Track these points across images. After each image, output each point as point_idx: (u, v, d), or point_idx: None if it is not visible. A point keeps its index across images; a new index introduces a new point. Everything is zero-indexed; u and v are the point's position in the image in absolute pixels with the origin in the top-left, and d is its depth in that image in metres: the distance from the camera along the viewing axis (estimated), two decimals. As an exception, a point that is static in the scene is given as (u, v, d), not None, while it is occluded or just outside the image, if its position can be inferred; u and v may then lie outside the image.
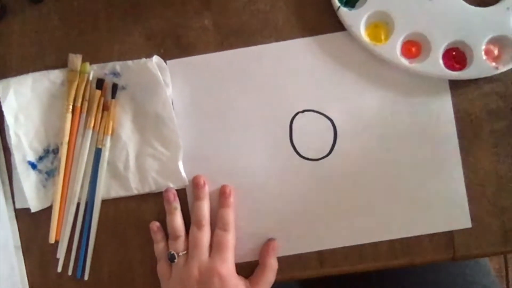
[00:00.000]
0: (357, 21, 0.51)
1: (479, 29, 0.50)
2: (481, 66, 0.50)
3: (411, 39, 0.52)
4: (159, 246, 0.51)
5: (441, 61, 0.51)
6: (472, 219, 0.51)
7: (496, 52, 0.51)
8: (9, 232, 0.52)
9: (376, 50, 0.51)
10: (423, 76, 0.51)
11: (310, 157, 0.52)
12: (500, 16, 0.50)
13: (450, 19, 0.51)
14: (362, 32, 0.51)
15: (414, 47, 0.52)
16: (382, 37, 0.52)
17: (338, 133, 0.52)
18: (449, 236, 0.52)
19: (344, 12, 0.51)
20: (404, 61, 0.51)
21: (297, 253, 0.52)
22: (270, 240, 0.52)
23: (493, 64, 0.50)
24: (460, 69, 0.51)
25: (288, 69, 0.53)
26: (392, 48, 0.51)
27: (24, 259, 0.53)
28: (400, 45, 0.51)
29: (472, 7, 0.50)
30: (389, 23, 0.51)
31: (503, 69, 0.50)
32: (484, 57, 0.50)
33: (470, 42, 0.50)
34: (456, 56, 0.51)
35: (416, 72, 0.51)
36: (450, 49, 0.51)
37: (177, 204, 0.51)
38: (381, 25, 0.52)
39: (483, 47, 0.50)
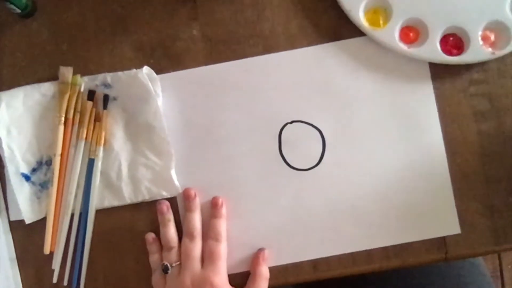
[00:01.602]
0: (356, 5, 0.52)
1: (476, 15, 0.51)
2: (478, 51, 0.51)
3: (409, 24, 0.52)
4: (154, 257, 0.51)
5: (438, 46, 0.52)
6: (463, 220, 0.52)
7: (492, 37, 0.52)
8: (4, 244, 0.52)
9: (375, 35, 0.52)
10: (420, 62, 0.52)
11: (299, 167, 0.53)
12: (497, 2, 0.51)
13: (447, 5, 0.51)
14: (361, 17, 0.52)
15: (412, 33, 0.53)
16: (381, 22, 0.53)
17: (327, 143, 0.53)
18: (441, 237, 0.52)
19: None
20: (402, 46, 0.52)
21: (290, 263, 0.52)
22: (260, 249, 0.52)
23: (490, 49, 0.51)
24: (457, 54, 0.52)
25: (275, 81, 0.53)
26: (391, 33, 0.52)
27: (19, 270, 0.53)
28: (399, 30, 0.52)
29: None
30: (388, 8, 0.52)
31: (499, 54, 0.51)
32: (481, 43, 0.51)
33: (467, 28, 0.51)
34: (453, 42, 0.52)
35: (413, 56, 0.52)
36: (448, 34, 0.52)
37: (170, 216, 0.52)
38: (380, 10, 0.53)
39: (480, 32, 0.51)
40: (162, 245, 0.52)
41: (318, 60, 0.53)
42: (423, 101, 0.53)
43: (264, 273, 0.51)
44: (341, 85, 0.53)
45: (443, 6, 0.52)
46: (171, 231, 0.51)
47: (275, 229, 0.53)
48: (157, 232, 0.52)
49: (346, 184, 0.53)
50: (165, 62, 0.54)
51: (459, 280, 0.61)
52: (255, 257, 0.52)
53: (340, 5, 0.52)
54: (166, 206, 0.52)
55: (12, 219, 0.53)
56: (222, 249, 0.50)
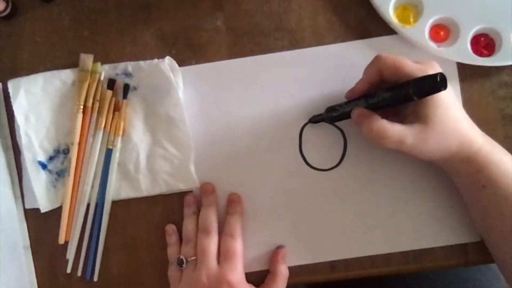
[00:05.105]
0: (387, 1, 0.51)
1: (509, 16, 0.50)
2: (510, 53, 0.50)
3: (440, 23, 0.51)
4: (172, 250, 0.51)
5: (469, 46, 0.51)
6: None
7: None
8: (18, 232, 0.52)
9: (404, 32, 0.51)
10: (448, 62, 0.51)
11: (319, 167, 0.52)
12: None
13: (480, 4, 0.50)
14: (391, 13, 0.51)
15: (443, 31, 0.52)
16: (411, 20, 0.51)
17: (349, 144, 0.52)
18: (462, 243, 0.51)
19: None
20: (432, 45, 0.51)
21: (307, 263, 0.52)
22: (279, 247, 0.51)
23: None
24: (488, 55, 0.51)
25: (299, 78, 0.52)
26: (420, 31, 0.51)
27: (33, 259, 0.53)
28: (429, 28, 0.51)
29: None
30: (419, 5, 0.51)
31: None
32: None
33: (499, 29, 0.50)
34: (484, 42, 0.51)
35: (443, 56, 0.50)
36: (479, 34, 0.51)
37: (195, 209, 0.51)
38: (410, 7, 0.52)
39: None
40: (182, 238, 0.51)
41: (343, 58, 0.52)
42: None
43: (283, 271, 0.50)
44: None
45: (476, 5, 0.50)
46: (193, 224, 0.51)
47: (292, 229, 0.52)
48: (174, 224, 0.52)
49: (366, 186, 0.51)
50: (188, 53, 0.52)
51: (474, 283, 0.61)
52: (274, 255, 0.51)
53: (370, 0, 0.51)
54: (194, 198, 0.51)
55: (27, 207, 0.52)
56: (238, 246, 0.49)
